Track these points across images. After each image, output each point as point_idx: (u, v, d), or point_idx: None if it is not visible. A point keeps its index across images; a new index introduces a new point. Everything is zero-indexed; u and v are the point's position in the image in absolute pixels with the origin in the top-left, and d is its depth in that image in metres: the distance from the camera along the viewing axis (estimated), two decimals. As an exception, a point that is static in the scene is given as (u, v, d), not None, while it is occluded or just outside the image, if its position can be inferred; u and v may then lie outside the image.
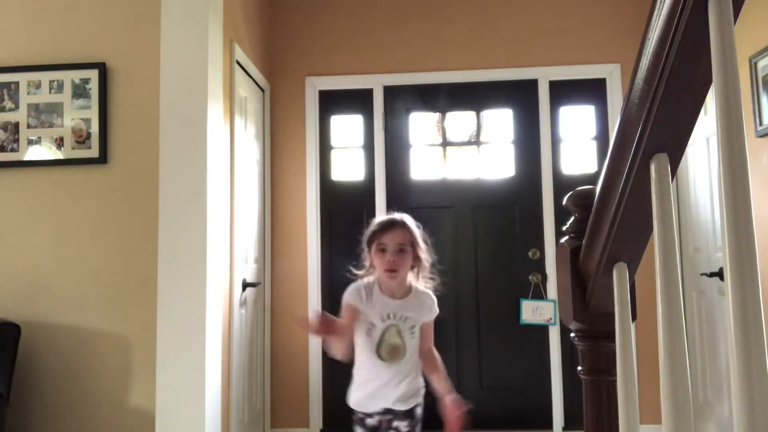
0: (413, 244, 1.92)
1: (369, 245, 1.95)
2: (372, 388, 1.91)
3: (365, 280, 1.98)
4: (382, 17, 3.60)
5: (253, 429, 3.13)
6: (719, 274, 2.93)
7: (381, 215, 2.12)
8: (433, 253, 2.01)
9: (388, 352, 1.89)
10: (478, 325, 3.47)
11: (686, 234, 3.33)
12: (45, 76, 2.55)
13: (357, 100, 3.62)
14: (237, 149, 2.88)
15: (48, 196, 2.54)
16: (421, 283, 1.99)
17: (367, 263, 1.99)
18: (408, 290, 1.97)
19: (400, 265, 1.88)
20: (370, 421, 1.94)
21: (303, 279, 3.50)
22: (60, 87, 2.55)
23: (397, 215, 1.97)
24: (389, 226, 1.92)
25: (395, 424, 1.93)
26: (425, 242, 1.96)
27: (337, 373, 3.44)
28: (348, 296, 1.95)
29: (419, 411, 1.97)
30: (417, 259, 1.94)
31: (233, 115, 2.83)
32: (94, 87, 2.53)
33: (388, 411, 1.92)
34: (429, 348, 1.99)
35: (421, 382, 1.98)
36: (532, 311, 3.40)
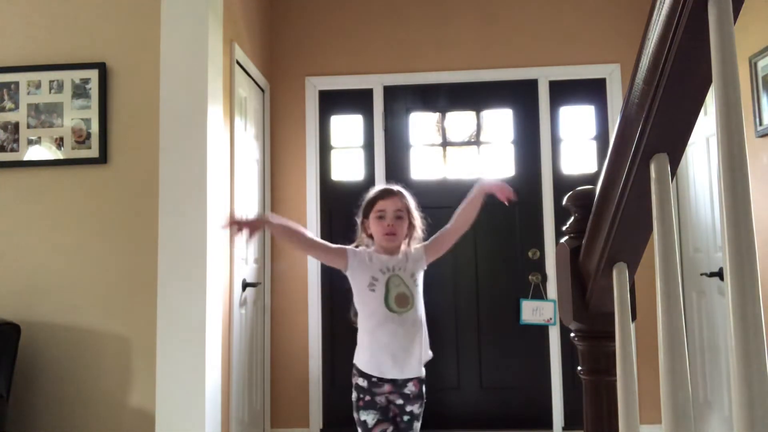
0: (409, 211, 2.04)
1: (367, 213, 2.05)
2: (392, 349, 1.93)
3: (361, 248, 2.06)
4: (382, 17, 3.60)
5: (253, 429, 3.13)
6: (719, 274, 2.92)
7: (378, 186, 2.21)
8: (426, 221, 2.12)
9: (396, 300, 1.95)
10: (478, 325, 3.46)
11: (686, 234, 3.33)
12: (45, 76, 2.55)
13: (357, 100, 3.62)
14: (237, 149, 2.88)
15: (48, 196, 2.54)
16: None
17: (363, 233, 2.09)
18: (400, 250, 2.07)
19: (398, 229, 2.00)
20: (379, 399, 1.96)
21: (303, 279, 3.50)
22: (60, 87, 2.55)
23: (394, 185, 2.09)
24: (387, 193, 2.05)
25: (408, 408, 1.97)
26: (419, 211, 2.09)
27: (337, 373, 3.44)
28: (349, 248, 2.04)
29: (424, 390, 2.02)
30: (411, 226, 2.06)
31: (233, 115, 2.83)
32: (94, 87, 2.53)
33: (403, 383, 1.96)
34: (449, 227, 2.11)
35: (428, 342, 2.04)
36: (532, 311, 3.39)
